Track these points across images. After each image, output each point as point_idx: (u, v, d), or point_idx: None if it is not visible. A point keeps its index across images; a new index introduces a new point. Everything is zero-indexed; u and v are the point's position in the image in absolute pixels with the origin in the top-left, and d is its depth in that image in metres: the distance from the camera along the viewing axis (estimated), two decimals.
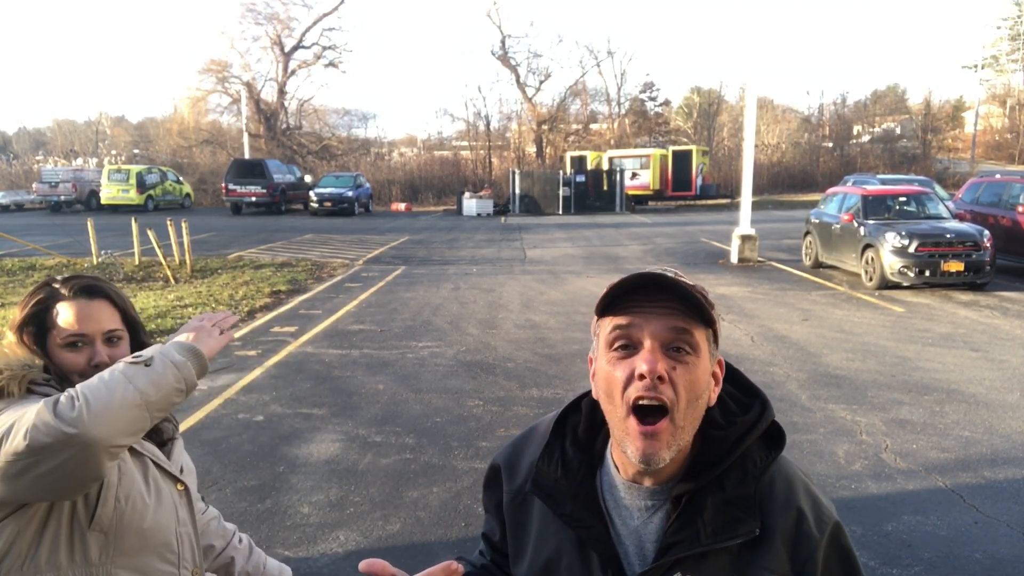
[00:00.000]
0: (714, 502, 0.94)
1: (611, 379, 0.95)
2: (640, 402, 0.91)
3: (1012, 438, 4.92)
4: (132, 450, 1.42)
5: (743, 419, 0.99)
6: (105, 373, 1.24)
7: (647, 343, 0.93)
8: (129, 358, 1.27)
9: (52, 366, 1.42)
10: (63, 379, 1.41)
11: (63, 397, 1.18)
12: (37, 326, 1.41)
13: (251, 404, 5.72)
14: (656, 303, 0.94)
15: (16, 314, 1.44)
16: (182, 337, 1.37)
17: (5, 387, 1.31)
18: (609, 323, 0.97)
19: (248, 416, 5.44)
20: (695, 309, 0.93)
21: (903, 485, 4.22)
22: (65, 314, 1.41)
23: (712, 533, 0.93)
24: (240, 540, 1.78)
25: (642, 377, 0.91)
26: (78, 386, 1.21)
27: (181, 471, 1.54)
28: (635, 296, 0.95)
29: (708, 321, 0.95)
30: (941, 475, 4.35)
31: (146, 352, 1.29)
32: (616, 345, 0.96)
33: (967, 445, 4.81)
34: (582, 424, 1.08)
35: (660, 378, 0.91)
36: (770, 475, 0.97)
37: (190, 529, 1.52)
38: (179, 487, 1.51)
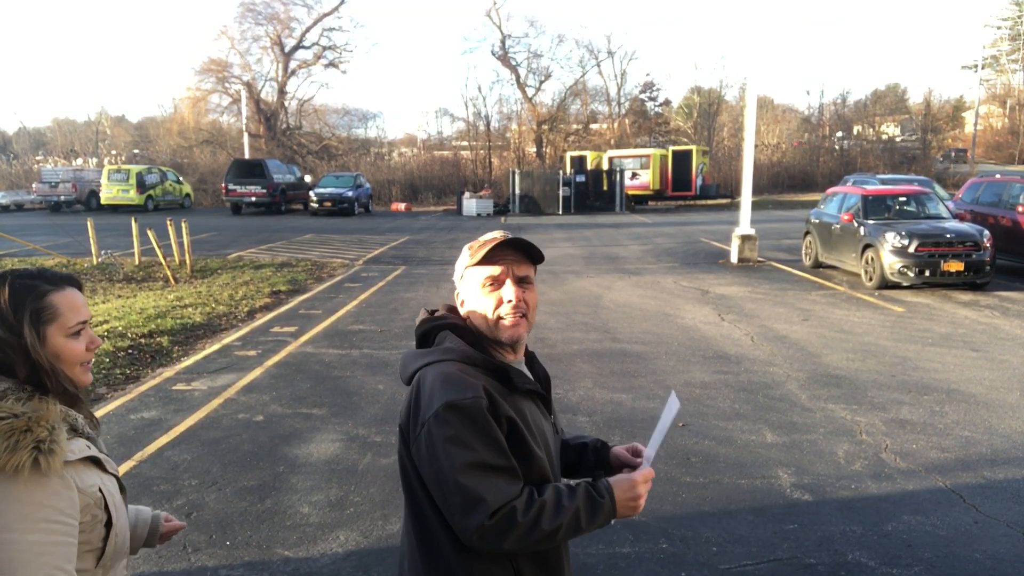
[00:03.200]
0: (535, 356, 1.70)
1: (487, 302, 1.54)
2: (505, 319, 1.53)
3: (1012, 438, 4.92)
4: (106, 471, 1.41)
5: None
6: None
7: (508, 281, 1.54)
8: None
9: (44, 364, 1.35)
10: (41, 382, 1.35)
11: None
12: (38, 322, 1.36)
13: (251, 404, 5.72)
14: (510, 254, 1.54)
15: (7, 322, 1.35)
16: None
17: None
18: (481, 271, 1.54)
19: (248, 416, 5.44)
20: (530, 258, 1.56)
21: (903, 485, 4.22)
22: (69, 303, 1.40)
23: (543, 367, 1.70)
24: None
25: (509, 301, 1.53)
26: None
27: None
28: (497, 252, 1.53)
29: (536, 262, 1.59)
30: (941, 475, 4.35)
31: None
32: (487, 284, 1.54)
33: (967, 445, 4.81)
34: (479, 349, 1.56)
35: (518, 300, 1.53)
36: None
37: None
38: (123, 492, 1.51)
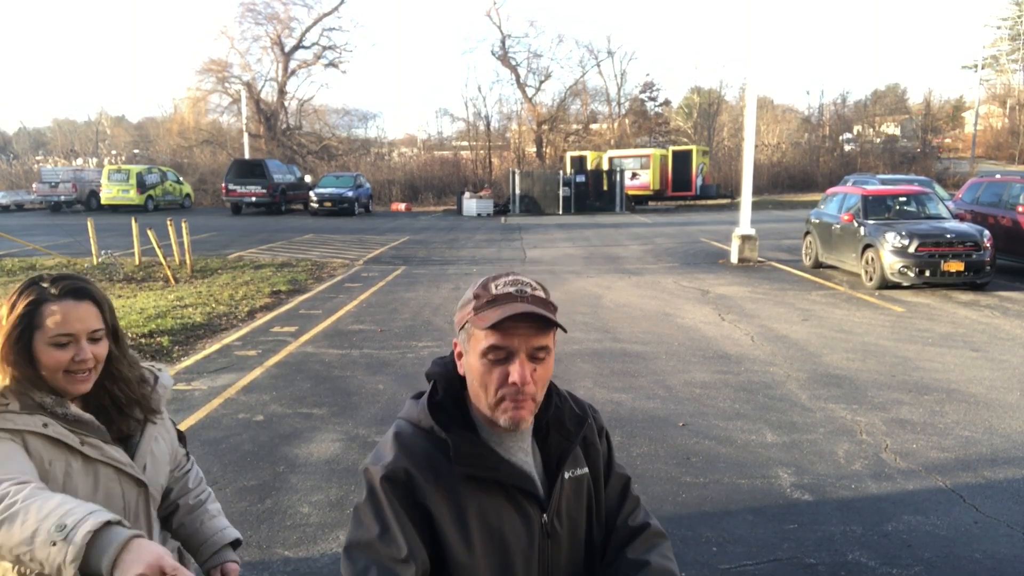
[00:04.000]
0: (562, 417, 1.37)
1: (486, 378, 1.23)
2: (506, 402, 1.23)
3: (1012, 438, 4.92)
4: (88, 458, 1.48)
5: None
6: (37, 509, 1.19)
7: (519, 357, 1.21)
8: (60, 520, 1.16)
9: (27, 367, 1.46)
10: (34, 383, 1.47)
11: None
12: (26, 325, 1.46)
13: (251, 404, 5.72)
14: (523, 323, 1.21)
15: (3, 313, 1.47)
16: (129, 540, 1.13)
17: None
18: (484, 337, 1.21)
19: (248, 416, 5.44)
20: (550, 325, 1.23)
21: (903, 485, 4.22)
22: (55, 314, 1.46)
23: (573, 433, 1.36)
24: (195, 497, 1.82)
25: (514, 384, 1.21)
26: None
27: (144, 468, 1.59)
28: (510, 321, 1.20)
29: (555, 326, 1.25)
30: (941, 475, 4.35)
31: (76, 522, 1.15)
32: (491, 356, 1.22)
33: (967, 445, 4.81)
34: (456, 415, 1.30)
35: (526, 383, 1.22)
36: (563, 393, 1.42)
37: (143, 527, 1.58)
38: (139, 488, 1.57)
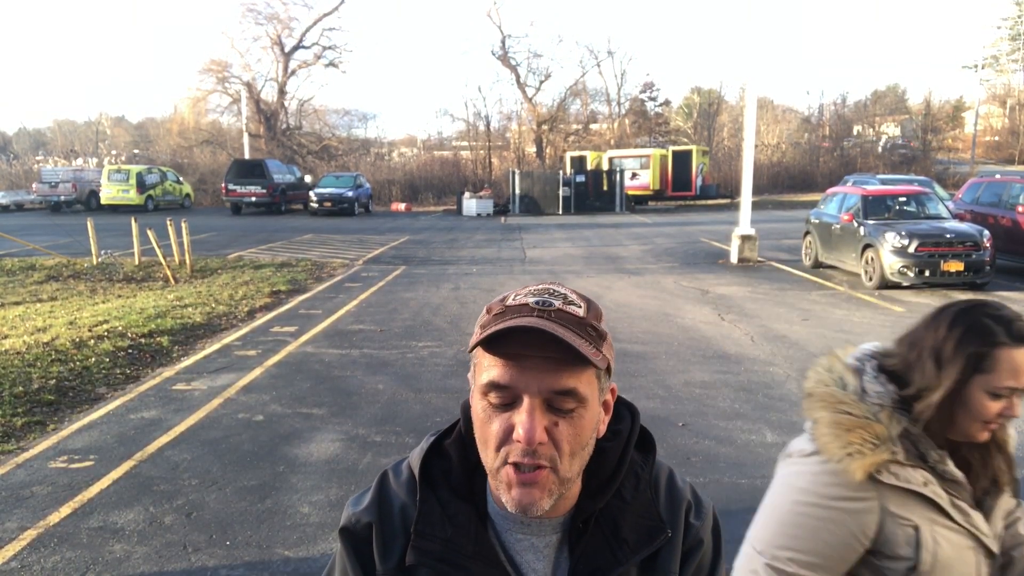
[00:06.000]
0: (625, 517, 0.91)
1: (485, 428, 0.85)
2: (517, 466, 0.83)
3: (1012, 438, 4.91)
4: (951, 524, 1.31)
5: (621, 426, 0.95)
6: None
7: (525, 402, 0.81)
8: None
9: (958, 408, 1.30)
10: (938, 429, 1.31)
11: None
12: (975, 366, 1.29)
13: (251, 404, 5.72)
14: (537, 352, 0.81)
15: (935, 341, 1.31)
16: None
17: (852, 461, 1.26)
18: (484, 364, 0.84)
19: (248, 416, 5.44)
20: (582, 358, 0.81)
21: None
22: (1013, 365, 1.28)
23: (631, 549, 0.89)
24: None
25: (518, 442, 0.81)
26: None
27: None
28: (513, 339, 0.81)
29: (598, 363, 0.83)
30: None
31: None
32: (492, 397, 0.83)
33: None
34: (456, 469, 0.93)
35: (540, 442, 0.81)
36: (654, 476, 0.97)
37: None
38: (989, 561, 1.36)
